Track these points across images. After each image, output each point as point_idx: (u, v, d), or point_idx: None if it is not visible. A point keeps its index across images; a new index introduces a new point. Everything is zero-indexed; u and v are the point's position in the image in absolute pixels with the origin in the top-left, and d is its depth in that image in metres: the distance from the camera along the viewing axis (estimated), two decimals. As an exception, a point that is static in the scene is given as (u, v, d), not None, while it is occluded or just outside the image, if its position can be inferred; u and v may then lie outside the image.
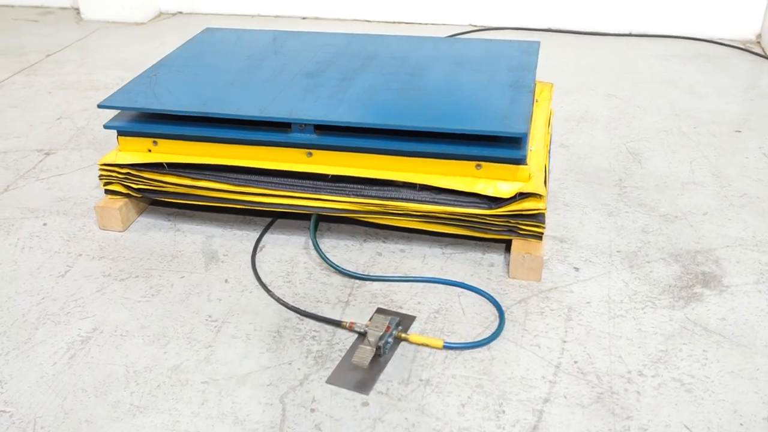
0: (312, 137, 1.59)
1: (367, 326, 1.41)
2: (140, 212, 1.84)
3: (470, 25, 3.18)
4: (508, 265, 1.61)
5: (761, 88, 2.50)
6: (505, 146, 1.53)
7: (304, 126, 1.59)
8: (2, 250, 1.72)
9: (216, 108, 1.62)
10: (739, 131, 2.19)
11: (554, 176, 1.97)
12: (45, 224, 1.82)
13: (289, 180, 1.65)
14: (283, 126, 1.62)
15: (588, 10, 3.03)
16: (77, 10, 3.54)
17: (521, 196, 1.53)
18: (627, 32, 3.02)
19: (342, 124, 1.55)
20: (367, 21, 3.29)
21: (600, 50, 2.87)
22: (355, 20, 3.30)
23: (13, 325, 1.48)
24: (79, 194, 1.95)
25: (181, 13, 3.49)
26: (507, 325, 1.44)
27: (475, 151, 1.51)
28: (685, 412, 1.24)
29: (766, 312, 1.46)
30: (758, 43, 2.90)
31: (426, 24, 3.22)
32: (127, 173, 1.72)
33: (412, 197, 1.59)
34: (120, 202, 1.76)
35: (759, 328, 1.43)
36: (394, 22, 3.26)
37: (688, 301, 1.50)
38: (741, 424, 1.22)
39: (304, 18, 3.35)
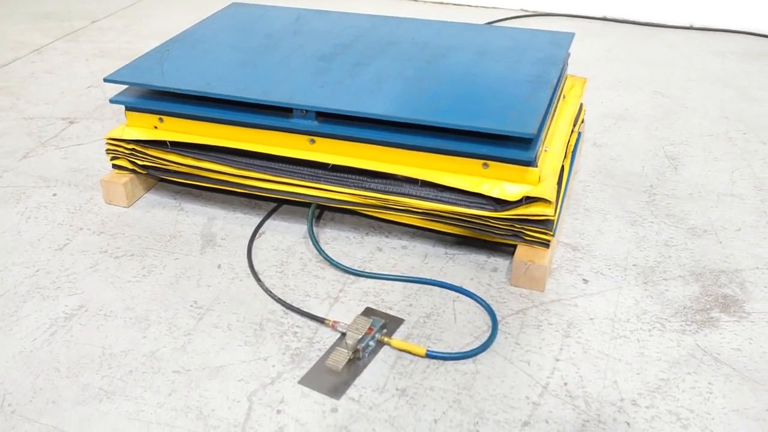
0: (313, 124, 1.53)
1: (349, 326, 1.35)
2: (148, 188, 1.82)
3: (522, 9, 3.04)
4: (511, 271, 1.51)
5: (827, 93, 2.29)
6: (514, 146, 1.43)
7: (305, 112, 1.52)
8: (9, 218, 1.73)
9: (218, 88, 1.57)
10: (793, 140, 2.02)
11: (580, 177, 1.85)
12: (55, 194, 1.82)
13: (291, 167, 1.60)
14: (285, 111, 1.56)
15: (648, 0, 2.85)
16: (128, -22, 3.55)
17: (528, 200, 1.43)
18: (688, 25, 2.83)
19: (343, 113, 1.48)
20: (414, 1, 3.18)
21: (655, 43, 2.70)
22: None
23: (2, 297, 1.48)
24: (93, 165, 1.94)
25: (229, -16, 3.45)
26: (499, 337, 1.36)
27: (482, 149, 1.42)
28: (676, 451, 1.14)
29: (788, 345, 1.33)
30: (832, 42, 2.67)
31: (476, 6, 3.09)
32: (133, 149, 1.70)
33: (414, 193, 1.51)
34: (126, 177, 1.74)
35: (777, 363, 1.30)
36: (442, 3, 3.14)
37: (701, 325, 1.38)
38: (737, 471, 1.11)
39: (350, -5, 3.27)
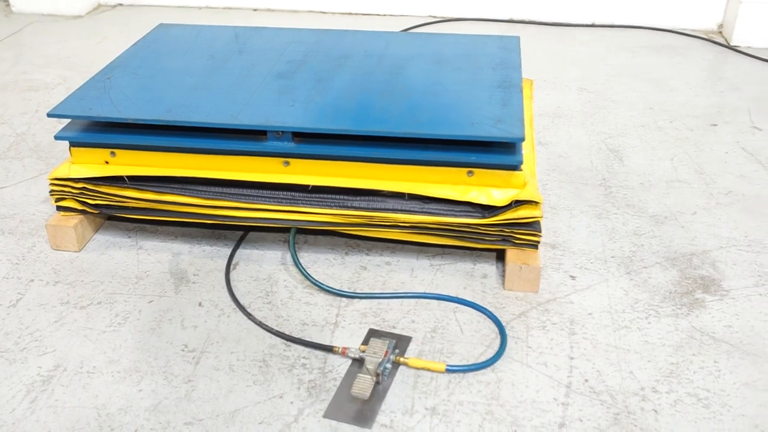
0: (290, 145, 1.46)
1: (362, 351, 1.30)
2: (96, 229, 1.68)
3: (430, 16, 3.08)
4: (502, 276, 1.52)
5: (729, 79, 2.48)
6: (499, 151, 1.44)
7: (281, 134, 1.46)
8: (-58, 277, 1.54)
9: (182, 115, 1.47)
10: (715, 125, 2.16)
11: (537, 177, 1.89)
12: (-11, 246, 1.64)
13: (264, 192, 1.52)
14: (257, 134, 1.49)
15: (551, 0, 2.97)
16: (6, 2, 3.28)
17: (516, 203, 1.45)
18: (590, 23, 2.97)
19: (325, 132, 1.43)
20: (321, 12, 3.15)
21: (566, 42, 2.81)
22: (309, 12, 3.15)
23: (-40, 366, 1.32)
24: (26, 210, 1.77)
25: (121, 5, 3.27)
26: (509, 342, 1.36)
27: (471, 157, 1.42)
28: (705, 430, 1.18)
29: (770, 317, 1.42)
30: (720, 33, 2.89)
31: (384, 15, 3.10)
32: (83, 188, 1.56)
33: (399, 207, 1.48)
34: (75, 219, 1.60)
35: (766, 334, 1.38)
36: (350, 14, 3.13)
37: (691, 308, 1.45)
38: (764, 442, 1.17)
39: (255, 10, 3.19)
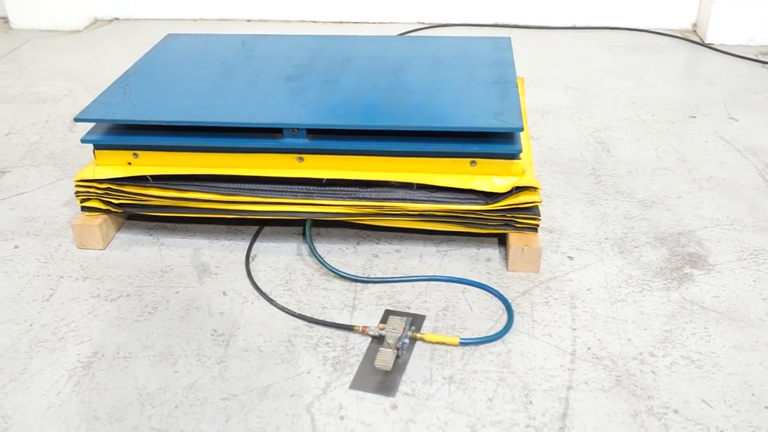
0: (305, 142, 1.57)
1: (381, 329, 1.40)
2: (118, 228, 1.77)
3: (419, 23, 3.20)
4: (505, 258, 1.63)
5: (705, 74, 2.62)
6: (500, 142, 1.55)
7: (296, 131, 1.56)
8: (-25, 277, 1.62)
9: (203, 116, 1.57)
10: (694, 117, 2.30)
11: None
12: (16, 246, 1.72)
13: (280, 186, 1.62)
14: (273, 132, 1.59)
15: (533, 4, 3.10)
16: (5, 19, 3.36)
17: (517, 189, 1.56)
18: (571, 25, 3.11)
19: (338, 128, 1.54)
20: (313, 22, 3.26)
21: (549, 44, 2.95)
22: (301, 21, 3.26)
23: (4, 356, 1.40)
24: (47, 213, 1.85)
25: (117, 19, 3.36)
26: (516, 317, 1.47)
27: (473, 148, 1.53)
28: (700, 388, 1.30)
29: (753, 287, 1.54)
30: (694, 31, 3.04)
31: (374, 23, 3.22)
32: (107, 188, 1.65)
33: (408, 197, 1.59)
34: (99, 218, 1.68)
35: (750, 302, 1.50)
36: (341, 22, 3.24)
37: (680, 282, 1.56)
38: (753, 395, 1.28)
39: (248, 21, 3.29)
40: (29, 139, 2.25)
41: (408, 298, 1.53)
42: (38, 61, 2.90)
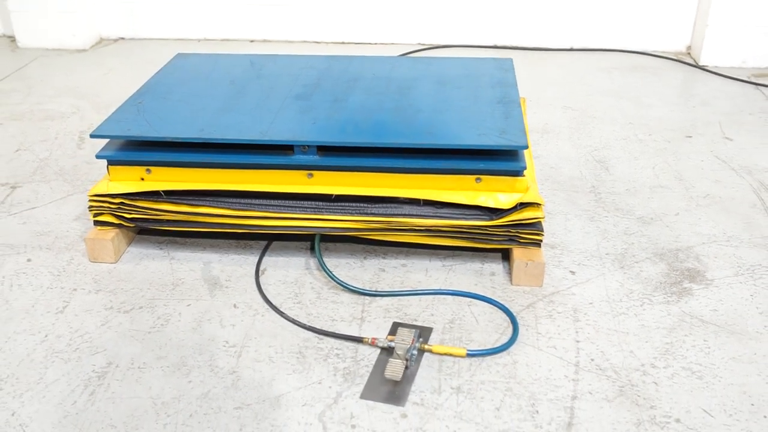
0: (315, 158, 1.61)
1: (390, 341, 1.44)
2: (129, 242, 1.80)
3: (419, 44, 3.26)
4: (509, 273, 1.67)
5: (700, 95, 2.69)
6: (504, 159, 1.60)
7: (307, 148, 1.60)
8: (-11, 289, 1.65)
9: (216, 134, 1.61)
10: (690, 136, 2.36)
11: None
12: (29, 260, 1.76)
13: (290, 202, 1.67)
14: (284, 149, 1.63)
15: (531, 27, 3.17)
16: (11, 38, 3.41)
17: (521, 206, 1.60)
18: (569, 47, 3.18)
19: (348, 145, 1.58)
20: (315, 42, 3.32)
21: (547, 65, 3.01)
22: (304, 42, 3.32)
23: (20, 366, 1.43)
24: (59, 227, 1.89)
25: (122, 39, 3.42)
26: (521, 330, 1.50)
27: (479, 165, 1.58)
28: (700, 398, 1.33)
29: (751, 301, 1.59)
30: (689, 54, 3.12)
31: (375, 44, 3.28)
32: (120, 203, 1.69)
33: (415, 212, 1.63)
34: (112, 232, 1.72)
35: (747, 316, 1.54)
36: (343, 43, 3.30)
37: (680, 296, 1.61)
38: (752, 404, 1.32)
39: (252, 41, 3.35)
40: (39, 155, 2.29)
41: (415, 311, 1.57)
42: (46, 79, 2.95)
